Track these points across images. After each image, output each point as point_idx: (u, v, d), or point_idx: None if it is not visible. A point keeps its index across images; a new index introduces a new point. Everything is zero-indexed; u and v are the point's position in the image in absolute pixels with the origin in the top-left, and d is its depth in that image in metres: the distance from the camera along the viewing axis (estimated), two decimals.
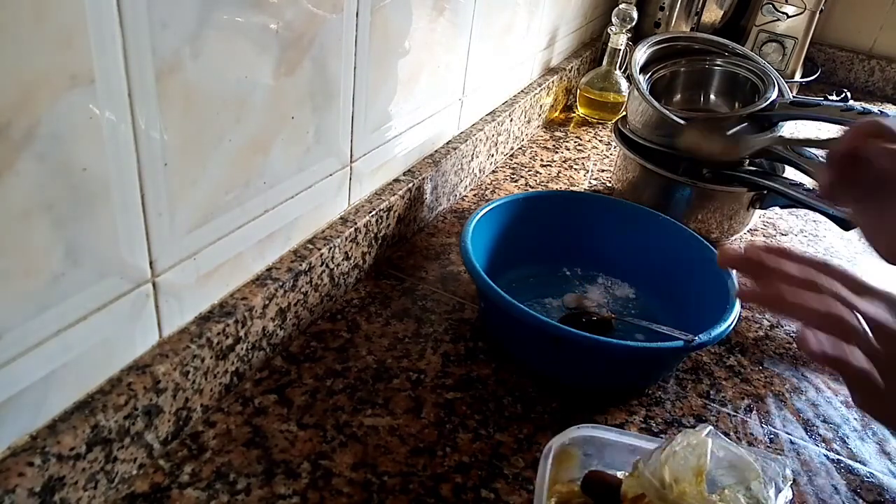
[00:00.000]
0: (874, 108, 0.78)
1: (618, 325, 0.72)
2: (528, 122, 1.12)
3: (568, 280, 0.78)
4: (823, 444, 0.62)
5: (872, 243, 0.48)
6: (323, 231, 0.67)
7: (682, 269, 0.73)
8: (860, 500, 0.57)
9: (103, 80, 0.40)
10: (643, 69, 0.93)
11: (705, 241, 0.72)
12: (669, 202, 0.87)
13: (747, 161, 0.86)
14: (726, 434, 0.61)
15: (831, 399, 0.68)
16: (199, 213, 0.51)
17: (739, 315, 0.62)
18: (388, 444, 0.55)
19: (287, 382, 0.60)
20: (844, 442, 0.63)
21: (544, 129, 1.19)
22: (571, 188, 1.00)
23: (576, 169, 1.06)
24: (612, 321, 0.72)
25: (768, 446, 0.61)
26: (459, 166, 0.89)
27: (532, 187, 0.98)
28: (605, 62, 1.20)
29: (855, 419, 0.65)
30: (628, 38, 1.18)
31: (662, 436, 0.60)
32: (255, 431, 0.55)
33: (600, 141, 1.17)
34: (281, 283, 0.59)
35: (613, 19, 1.17)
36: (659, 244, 0.75)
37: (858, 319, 0.41)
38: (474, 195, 0.94)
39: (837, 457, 0.61)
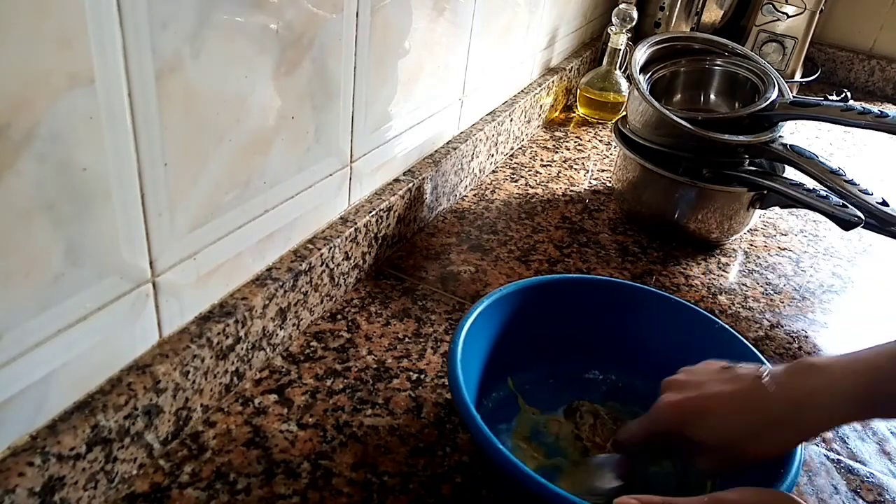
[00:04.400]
0: (874, 108, 0.78)
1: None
2: (528, 122, 1.12)
3: (595, 387, 0.62)
4: (823, 444, 0.62)
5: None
6: (323, 231, 0.67)
7: None
8: (860, 500, 0.57)
9: (103, 80, 0.40)
10: (643, 69, 0.93)
11: (756, 351, 0.57)
12: (669, 202, 0.87)
13: (747, 161, 0.86)
14: None
15: None
16: (200, 212, 0.51)
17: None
18: (388, 444, 0.55)
19: (287, 382, 0.60)
20: (844, 442, 0.63)
21: (544, 129, 1.19)
22: (572, 187, 1.00)
23: (576, 169, 1.06)
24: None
25: None
26: (459, 166, 0.89)
27: (532, 187, 0.98)
28: (605, 62, 1.20)
29: None
30: (628, 38, 1.18)
31: None
32: (255, 431, 0.55)
33: (600, 141, 1.17)
34: (281, 283, 0.59)
35: (613, 19, 1.18)
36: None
37: None
38: (474, 195, 0.94)
39: (837, 457, 0.61)
